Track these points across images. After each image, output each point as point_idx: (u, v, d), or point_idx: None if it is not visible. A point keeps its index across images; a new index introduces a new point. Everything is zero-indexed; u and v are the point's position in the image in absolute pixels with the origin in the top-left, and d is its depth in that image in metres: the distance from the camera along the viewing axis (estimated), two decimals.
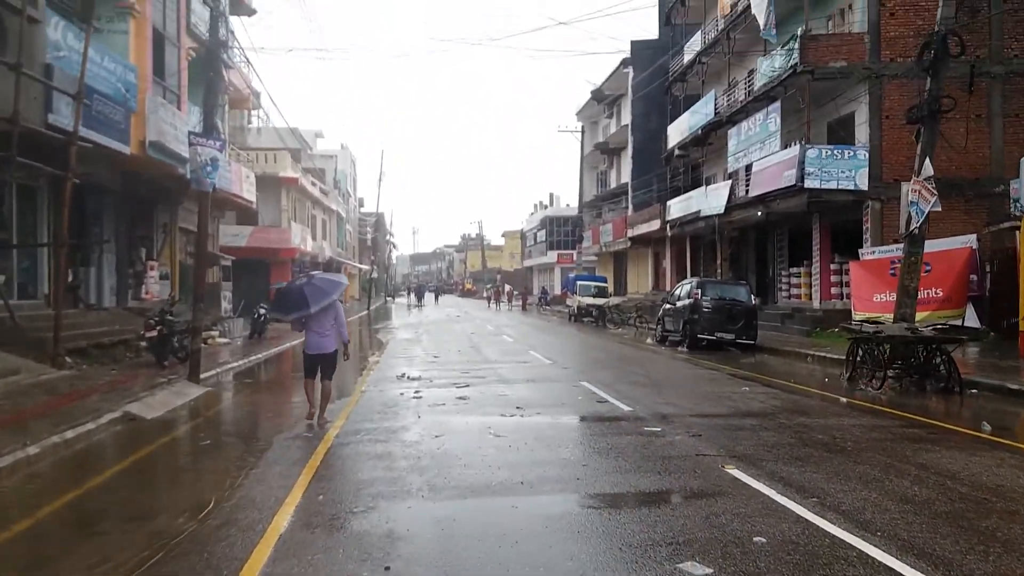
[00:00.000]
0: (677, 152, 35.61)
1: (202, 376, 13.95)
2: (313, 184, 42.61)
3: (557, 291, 61.36)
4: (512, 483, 6.37)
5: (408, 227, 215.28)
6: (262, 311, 23.27)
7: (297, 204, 39.26)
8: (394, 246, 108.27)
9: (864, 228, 22.85)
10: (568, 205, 68.94)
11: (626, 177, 46.52)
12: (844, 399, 11.46)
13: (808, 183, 22.37)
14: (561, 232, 64.46)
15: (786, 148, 24.41)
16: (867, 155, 22.44)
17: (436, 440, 8.15)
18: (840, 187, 22.45)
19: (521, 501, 5.86)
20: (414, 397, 11.39)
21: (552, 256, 64.63)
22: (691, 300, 21.03)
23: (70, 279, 17.57)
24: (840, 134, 24.40)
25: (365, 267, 61.03)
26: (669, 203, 36.09)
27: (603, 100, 50.55)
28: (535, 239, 71.48)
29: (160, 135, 17.54)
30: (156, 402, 10.96)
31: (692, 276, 37.58)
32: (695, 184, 35.25)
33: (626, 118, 45.50)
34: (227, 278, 25.50)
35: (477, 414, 9.85)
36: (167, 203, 22.65)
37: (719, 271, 32.65)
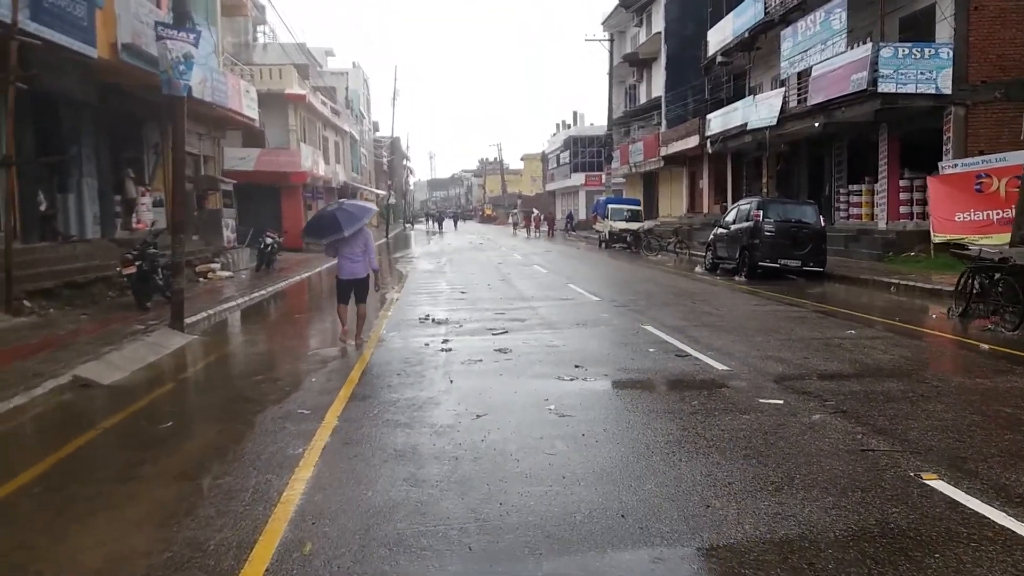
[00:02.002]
0: (719, 59, 32.36)
1: (193, 319, 11.81)
2: (324, 103, 39.71)
3: (582, 215, 58.71)
4: (607, 516, 4.06)
5: (425, 152, 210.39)
6: (268, 240, 21.01)
7: (307, 124, 36.53)
8: (411, 171, 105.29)
9: (945, 138, 20.00)
10: (592, 124, 65.48)
11: (658, 91, 43.27)
12: (985, 345, 9.05)
13: (881, 87, 19.49)
14: (586, 153, 61.19)
15: (852, 48, 21.42)
16: (951, 53, 19.45)
17: (478, 424, 5.88)
18: (919, 91, 19.56)
19: (632, 562, 3.57)
20: (442, 349, 9.12)
21: (576, 179, 61.48)
22: (750, 223, 18.45)
23: (43, 207, 15.32)
24: (914, 32, 21.27)
25: (382, 192, 58.47)
26: (709, 116, 33.08)
27: (632, 6, 46.67)
28: (558, 161, 68.21)
29: (135, 36, 14.93)
30: (121, 359, 8.77)
31: (734, 196, 34.94)
32: (738, 95, 32.13)
33: (658, 25, 41.92)
34: (230, 204, 23.15)
35: (527, 376, 7.56)
36: (158, 120, 20.08)
37: (764, 190, 29.93)
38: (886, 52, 19.54)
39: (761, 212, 18.33)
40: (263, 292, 16.39)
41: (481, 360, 8.37)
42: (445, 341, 9.66)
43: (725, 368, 7.70)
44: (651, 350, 8.78)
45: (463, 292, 15.86)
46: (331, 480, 4.75)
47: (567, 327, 10.73)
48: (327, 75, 51.97)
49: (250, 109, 23.76)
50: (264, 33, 41.30)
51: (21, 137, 14.00)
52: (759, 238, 18.12)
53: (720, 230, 20.70)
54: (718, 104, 32.99)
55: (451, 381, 7.36)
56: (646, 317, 11.46)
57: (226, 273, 19.22)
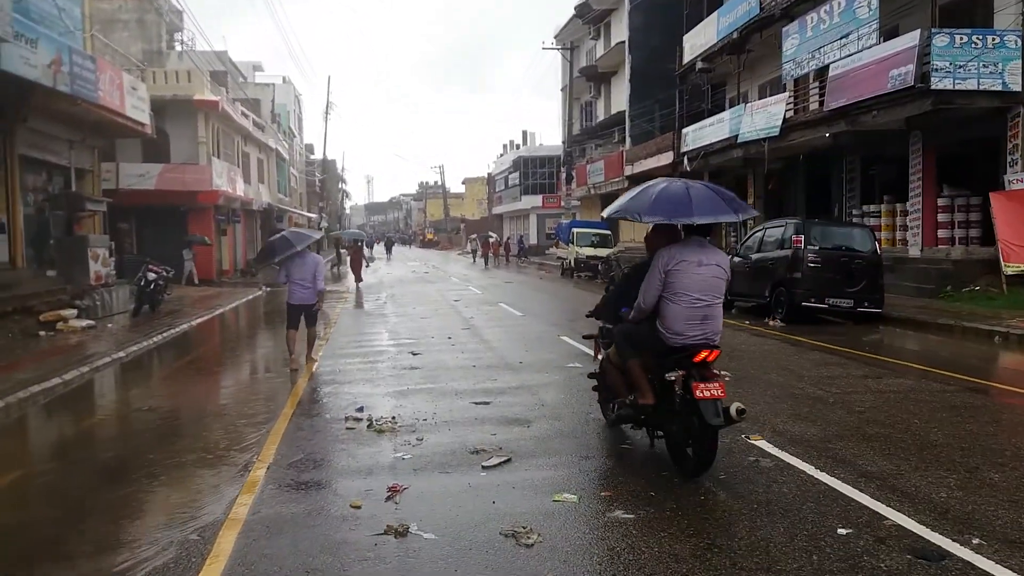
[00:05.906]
0: (699, 66, 28.48)
1: None
2: (244, 116, 34.43)
3: (532, 240, 54.57)
4: None
5: (362, 176, 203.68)
6: (151, 275, 15.82)
7: (222, 137, 31.25)
8: (347, 194, 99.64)
9: (1010, 146, 16.24)
10: (542, 144, 61.55)
11: (619, 106, 39.50)
12: None
13: (935, 82, 15.66)
14: (538, 175, 56.97)
15: (887, 40, 17.65)
16: (1020, 42, 15.73)
17: None
18: (982, 88, 15.78)
19: None
20: (391, 530, 4.30)
21: (528, 201, 56.99)
22: (787, 251, 14.21)
23: None
24: (957, 23, 17.51)
25: (313, 216, 53.13)
26: (686, 130, 29.20)
27: (588, 16, 42.87)
28: (506, 183, 63.78)
29: None
30: None
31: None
32: (717, 107, 28.36)
33: (620, 35, 38.20)
34: (105, 230, 17.85)
35: None
36: None
37: None
38: (940, 40, 15.72)
39: (803, 238, 14.06)
40: (121, 354, 11.28)
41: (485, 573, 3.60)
42: (393, 495, 4.84)
43: None
44: (842, 530, 4.05)
45: (415, 353, 11.02)
46: None
47: (607, 444, 6.02)
48: (251, 87, 46.74)
49: (137, 111, 18.58)
50: (182, 42, 36.20)
51: None
52: (801, 270, 13.87)
53: (736, 259, 16.42)
54: (696, 117, 29.18)
55: None
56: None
57: (85, 322, 14.01)
